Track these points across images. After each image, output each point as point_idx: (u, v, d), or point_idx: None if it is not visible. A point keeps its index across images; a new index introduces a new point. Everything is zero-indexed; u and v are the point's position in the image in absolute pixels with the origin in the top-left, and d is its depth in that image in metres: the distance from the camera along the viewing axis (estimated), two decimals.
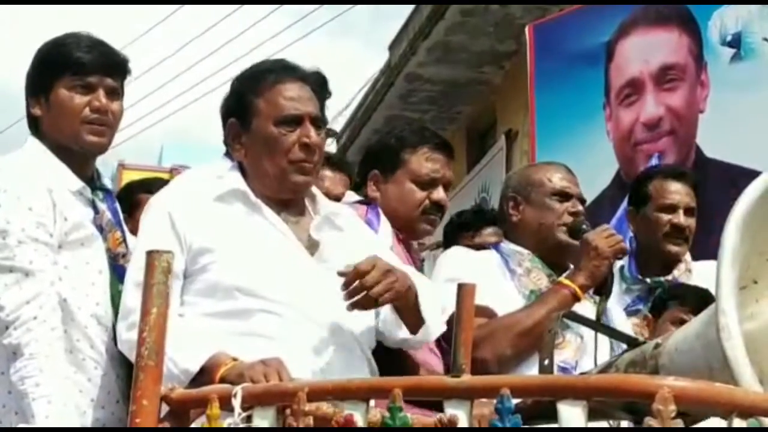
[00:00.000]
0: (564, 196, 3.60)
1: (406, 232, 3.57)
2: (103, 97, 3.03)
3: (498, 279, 3.54)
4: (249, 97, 2.96)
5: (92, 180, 3.09)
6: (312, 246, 2.92)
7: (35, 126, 3.09)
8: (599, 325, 3.14)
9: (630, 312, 3.83)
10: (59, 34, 3.13)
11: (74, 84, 3.02)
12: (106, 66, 3.05)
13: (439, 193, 3.55)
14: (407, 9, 10.70)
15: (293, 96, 2.94)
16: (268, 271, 2.82)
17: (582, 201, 3.64)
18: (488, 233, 4.56)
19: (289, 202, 2.97)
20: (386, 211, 3.52)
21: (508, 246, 3.63)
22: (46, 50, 3.11)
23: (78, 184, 3.02)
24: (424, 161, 3.55)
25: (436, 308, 2.97)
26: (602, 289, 3.50)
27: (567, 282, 3.45)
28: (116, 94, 3.08)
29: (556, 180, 3.62)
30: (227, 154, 3.43)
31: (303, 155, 2.92)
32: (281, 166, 2.92)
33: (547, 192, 3.60)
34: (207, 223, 2.86)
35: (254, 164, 2.96)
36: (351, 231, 3.06)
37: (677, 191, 4.08)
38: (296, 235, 2.91)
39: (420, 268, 3.69)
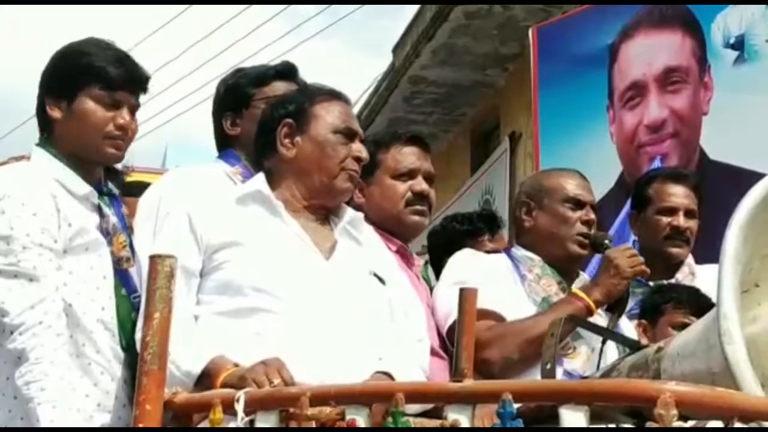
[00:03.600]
0: (577, 203, 3.57)
1: (398, 230, 3.56)
2: (127, 114, 3.05)
3: (507, 283, 3.52)
4: (306, 105, 3.07)
5: (99, 184, 3.10)
6: (328, 251, 2.96)
7: (49, 128, 3.09)
8: (604, 330, 3.14)
9: (632, 315, 3.83)
10: (82, 39, 3.13)
11: (102, 98, 3.03)
12: (133, 83, 3.08)
13: (420, 184, 3.55)
14: (410, 12, 10.72)
15: (348, 113, 3.11)
16: (280, 271, 2.84)
17: (595, 208, 3.62)
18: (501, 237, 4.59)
19: (311, 209, 3.02)
20: (374, 214, 3.51)
21: (519, 251, 3.62)
22: (71, 55, 3.10)
23: (84, 189, 3.02)
24: (399, 155, 3.56)
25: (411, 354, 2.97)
26: (616, 307, 3.49)
27: (582, 295, 3.42)
28: (135, 111, 3.11)
29: (570, 187, 3.60)
30: (220, 157, 3.47)
31: (355, 167, 3.04)
32: (334, 172, 3.01)
33: (560, 199, 3.58)
34: (225, 222, 2.91)
35: (302, 164, 3.03)
36: (368, 242, 3.11)
37: (677, 193, 4.07)
38: (313, 239, 2.95)
39: (418, 274, 3.68)
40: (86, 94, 3.03)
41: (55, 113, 3.06)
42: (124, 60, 3.09)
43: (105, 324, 2.94)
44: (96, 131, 3.02)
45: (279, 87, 3.43)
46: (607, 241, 3.56)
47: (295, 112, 3.07)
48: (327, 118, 3.04)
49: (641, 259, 3.51)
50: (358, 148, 3.04)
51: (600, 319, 3.47)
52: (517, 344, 3.34)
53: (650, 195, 4.09)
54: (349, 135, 3.04)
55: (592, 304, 3.39)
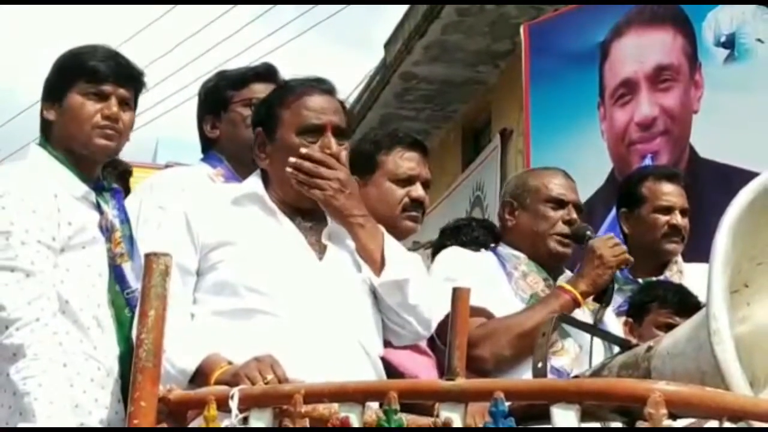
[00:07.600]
0: (559, 203, 3.62)
1: (391, 232, 3.58)
2: (114, 105, 3.06)
3: (496, 280, 3.56)
4: (276, 109, 3.02)
5: (98, 182, 3.11)
6: (322, 251, 2.97)
7: (47, 130, 3.11)
8: (594, 329, 3.17)
9: (620, 312, 3.86)
10: (78, 45, 3.17)
11: (88, 91, 3.06)
12: (121, 76, 3.09)
13: (418, 190, 3.55)
14: (401, 8, 10.72)
15: (315, 107, 2.98)
16: (275, 271, 2.86)
17: (578, 208, 3.66)
18: None
19: (306, 210, 3.02)
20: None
21: (504, 249, 3.66)
22: (63, 59, 3.14)
23: (82, 189, 3.04)
24: (400, 160, 3.55)
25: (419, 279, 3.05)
26: (602, 297, 3.53)
27: (569, 287, 3.47)
28: (128, 104, 3.11)
29: (553, 186, 3.64)
30: (204, 159, 3.50)
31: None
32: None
33: (542, 198, 3.62)
34: (220, 222, 2.93)
35: (277, 173, 3.00)
36: None
37: (672, 192, 4.10)
38: (308, 239, 2.96)
39: None
40: (75, 90, 3.07)
41: (51, 115, 3.10)
42: (112, 56, 3.12)
43: (100, 321, 2.96)
44: (85, 123, 3.05)
45: (258, 89, 3.45)
46: (588, 233, 3.61)
47: (265, 118, 3.04)
48: (292, 120, 2.97)
49: (624, 248, 3.58)
50: (327, 145, 2.96)
51: (586, 310, 3.51)
52: (508, 340, 3.38)
53: (644, 193, 4.12)
54: (315, 132, 2.96)
55: (579, 296, 3.45)
